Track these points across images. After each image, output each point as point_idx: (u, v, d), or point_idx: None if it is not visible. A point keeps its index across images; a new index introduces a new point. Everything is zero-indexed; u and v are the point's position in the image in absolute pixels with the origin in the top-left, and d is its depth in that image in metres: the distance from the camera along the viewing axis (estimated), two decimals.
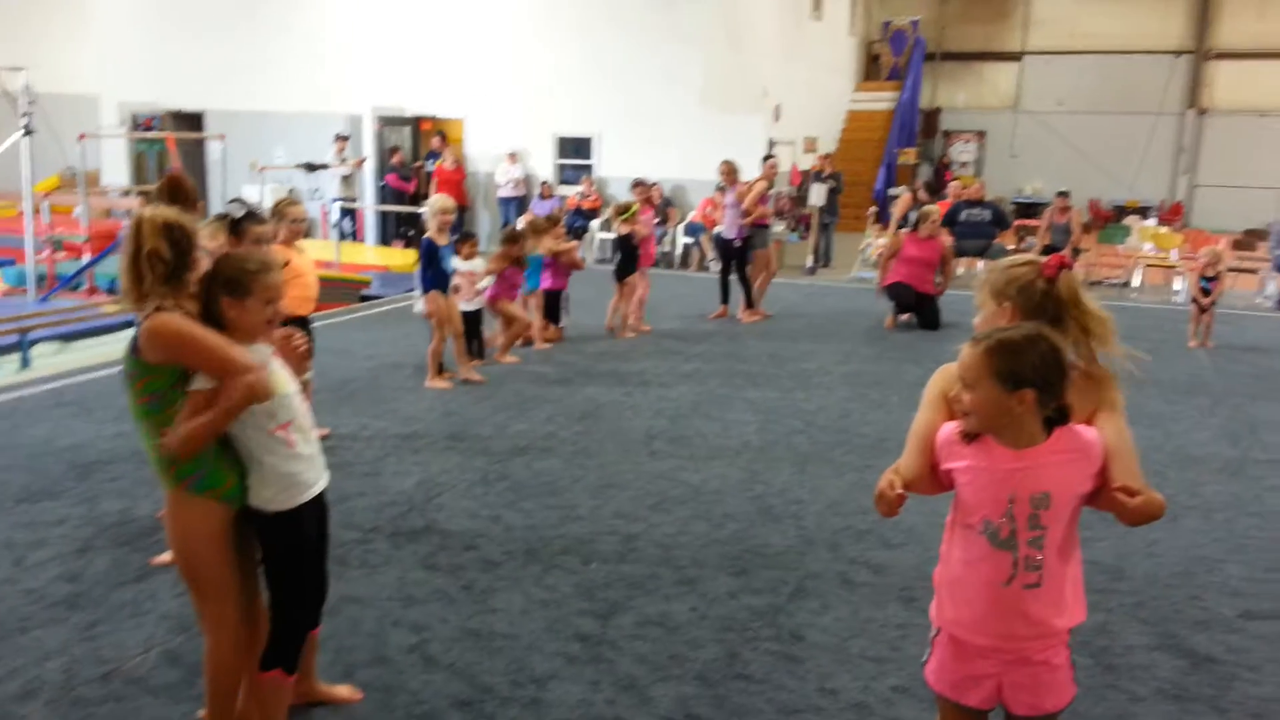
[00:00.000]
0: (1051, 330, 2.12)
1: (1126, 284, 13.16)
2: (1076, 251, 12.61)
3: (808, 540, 4.46)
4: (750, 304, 10.00)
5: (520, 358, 7.88)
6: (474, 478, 5.13)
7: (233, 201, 4.49)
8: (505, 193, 15.75)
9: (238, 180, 14.72)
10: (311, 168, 14.64)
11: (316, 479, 2.70)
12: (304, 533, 2.68)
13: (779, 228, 15.71)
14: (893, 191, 18.40)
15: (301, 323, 5.15)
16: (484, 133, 16.13)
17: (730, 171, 9.97)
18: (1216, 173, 20.56)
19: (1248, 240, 13.49)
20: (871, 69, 22.57)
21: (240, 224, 4.45)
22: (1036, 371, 2.03)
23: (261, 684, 2.71)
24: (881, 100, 21.21)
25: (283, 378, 2.64)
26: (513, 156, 15.74)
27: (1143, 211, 18.77)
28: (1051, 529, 2.07)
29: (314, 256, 11.27)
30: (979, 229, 12.76)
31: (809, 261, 14.44)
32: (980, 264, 13.01)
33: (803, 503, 4.91)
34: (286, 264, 5.02)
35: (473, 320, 7.62)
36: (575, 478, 5.18)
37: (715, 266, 11.16)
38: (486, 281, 7.76)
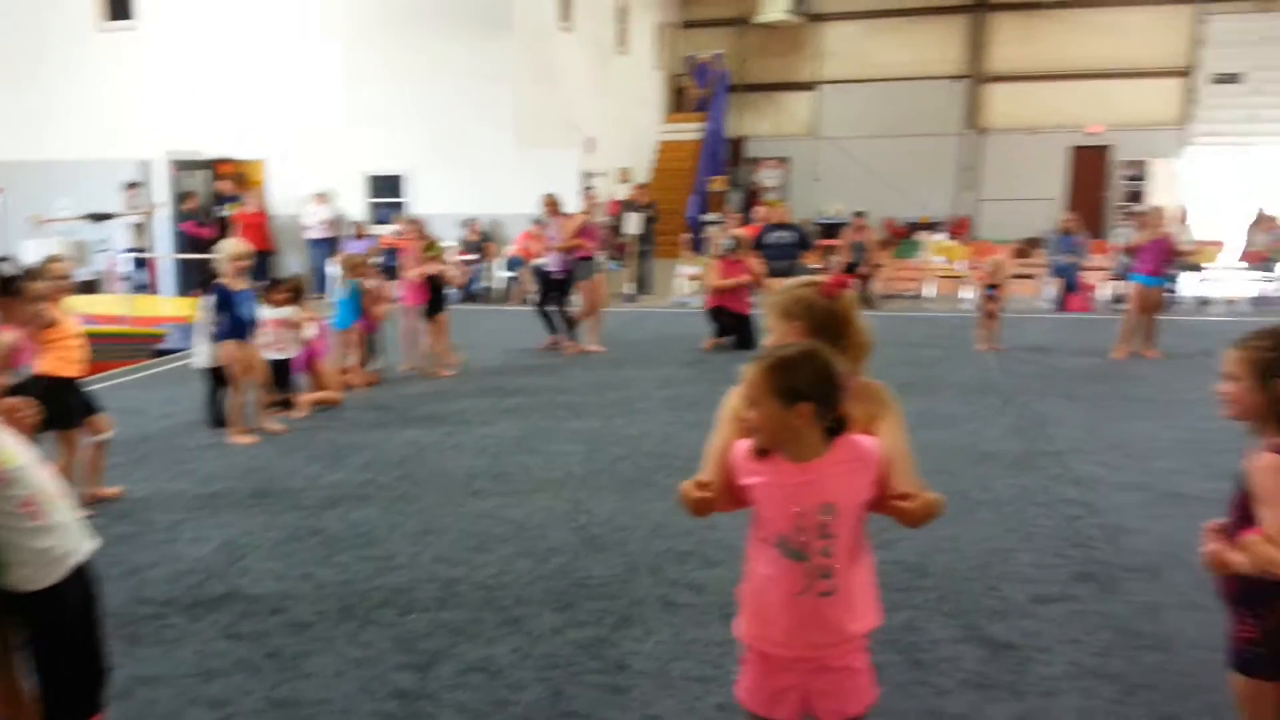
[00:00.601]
0: (825, 346, 2.21)
1: (921, 295, 13.99)
2: (874, 267, 13.31)
3: (632, 567, 4.47)
4: (573, 338, 10.01)
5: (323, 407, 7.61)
6: (282, 535, 4.88)
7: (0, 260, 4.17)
8: (314, 234, 15.24)
9: (19, 236, 13.63)
10: (99, 218, 13.73)
11: (76, 548, 2.50)
12: (69, 608, 2.47)
13: (600, 258, 15.91)
14: (705, 218, 18.99)
15: (69, 386, 4.81)
16: (288, 174, 15.59)
17: (552, 204, 10.02)
18: (997, 187, 22.19)
19: (1026, 248, 14.60)
20: (679, 101, 23.26)
21: (13, 284, 4.14)
22: (812, 386, 2.11)
23: None
24: (690, 131, 21.87)
25: (13, 450, 2.43)
26: (320, 197, 15.27)
27: (933, 227, 20.06)
28: (840, 537, 2.14)
29: (104, 311, 10.57)
30: (785, 250, 13.27)
31: (629, 289, 14.65)
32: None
33: (627, 529, 4.92)
34: (54, 325, 4.70)
35: (282, 368, 7.30)
36: (393, 525, 5.01)
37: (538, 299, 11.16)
38: (311, 330, 7.48)
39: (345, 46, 15.27)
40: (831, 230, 19.16)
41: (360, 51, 15.21)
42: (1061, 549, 4.61)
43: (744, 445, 2.23)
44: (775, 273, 13.17)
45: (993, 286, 9.67)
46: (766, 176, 23.67)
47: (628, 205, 15.67)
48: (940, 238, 17.10)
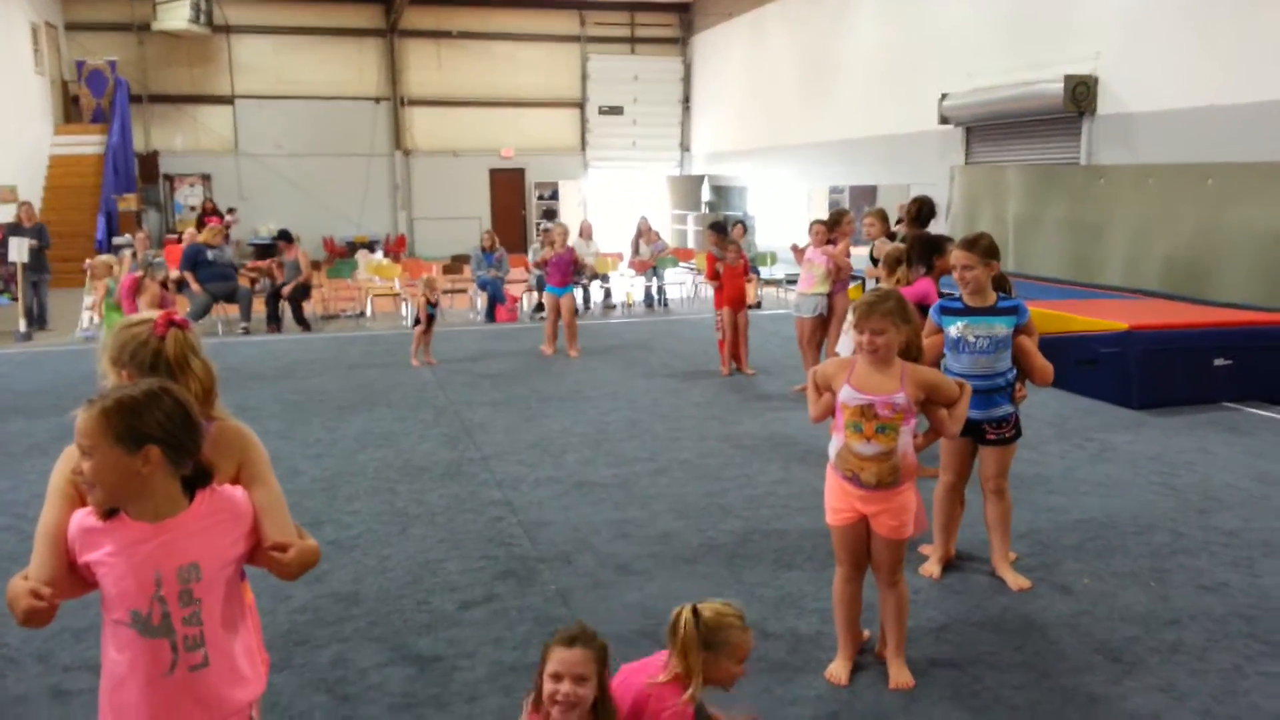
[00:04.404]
0: (175, 384, 2.01)
1: (362, 314, 13.96)
2: (308, 287, 13.00)
3: (11, 659, 3.78)
4: None
5: None
6: None
7: None
8: None
9: None
10: None
11: None
12: None
13: None
14: (116, 240, 17.02)
15: None
16: None
17: None
18: (428, 206, 23.03)
19: (456, 265, 15.27)
20: (72, 111, 20.55)
21: None
22: (161, 427, 1.87)
23: None
24: (89, 144, 19.48)
25: None
26: None
27: (371, 246, 20.16)
28: (207, 601, 1.94)
29: None
30: (223, 270, 12.48)
31: (21, 326, 12.60)
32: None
33: (3, 616, 4.14)
34: None
35: None
36: None
37: None
38: None
39: None
40: (268, 251, 18.38)
41: None
42: (487, 550, 4.83)
43: (82, 516, 1.92)
44: (217, 294, 12.30)
45: (433, 305, 9.92)
46: (188, 195, 21.93)
47: (12, 229, 13.48)
48: (378, 256, 17.22)
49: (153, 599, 1.89)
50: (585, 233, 15.77)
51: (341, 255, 19.39)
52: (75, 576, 1.92)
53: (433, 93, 23.01)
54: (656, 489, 5.75)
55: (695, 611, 2.53)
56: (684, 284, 15.70)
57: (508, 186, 23.86)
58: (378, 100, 22.78)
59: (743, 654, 2.56)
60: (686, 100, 24.42)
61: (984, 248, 4.17)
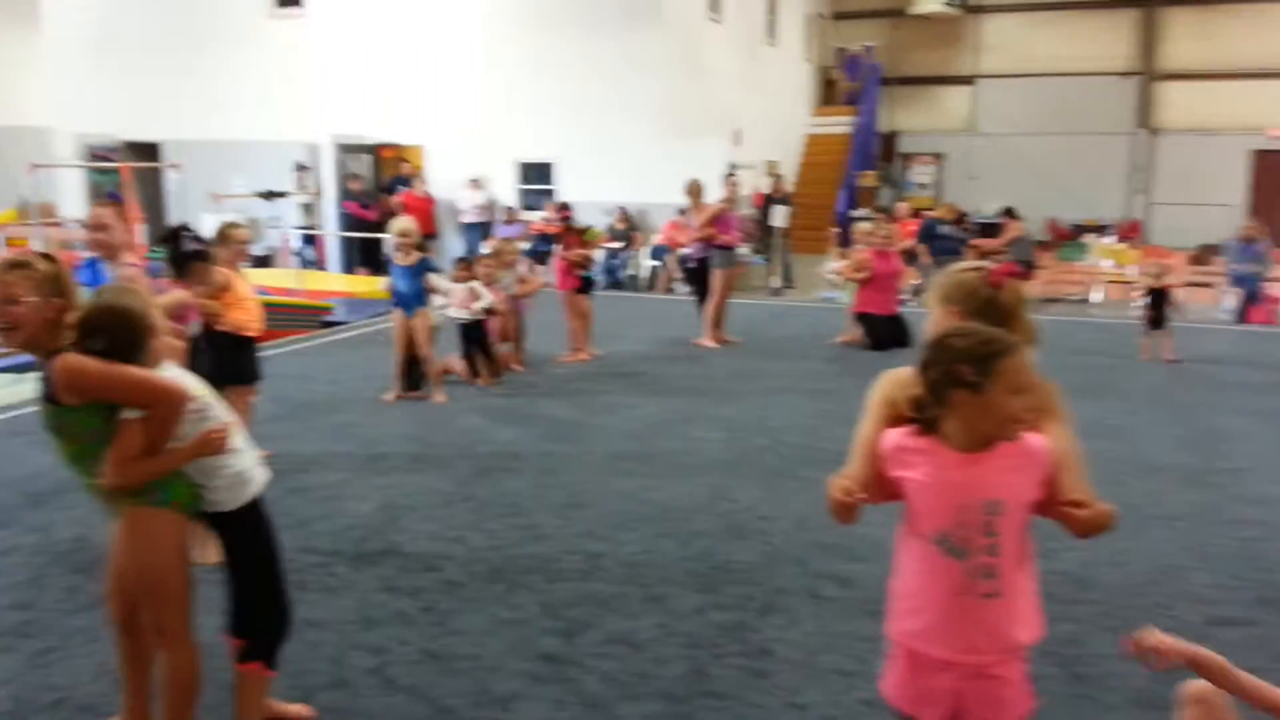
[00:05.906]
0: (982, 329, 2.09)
1: (1086, 300, 13.32)
2: (1031, 265, 12.79)
3: (775, 556, 4.42)
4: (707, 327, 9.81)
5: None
6: (436, 500, 5.05)
7: (181, 230, 4.45)
8: (468, 219, 15.70)
9: (196, 209, 14.56)
10: (270, 195, 14.50)
11: (258, 472, 2.74)
12: (257, 529, 2.71)
13: (743, 250, 15.80)
14: (854, 213, 18.61)
15: (247, 345, 5.07)
16: (444, 159, 16.08)
17: (695, 190, 9.92)
18: (1171, 190, 20.93)
19: (1204, 256, 13.71)
20: (828, 94, 22.84)
21: (187, 264, 4.42)
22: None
23: (245, 676, 2.77)
24: (839, 124, 21.43)
25: (192, 382, 2.66)
26: (475, 183, 15.71)
27: (1101, 230, 19.08)
28: (1005, 537, 2.02)
29: (276, 283, 11.13)
30: (953, 245, 13.02)
31: (774, 283, 14.52)
32: None
33: (770, 518, 4.87)
34: (228, 288, 4.95)
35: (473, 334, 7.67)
36: (540, 497, 5.12)
37: (681, 289, 11.16)
38: (486, 301, 7.71)
39: (500, 37, 15.64)
40: (990, 230, 18.54)
41: (515, 42, 15.54)
42: (1242, 572, 4.31)
43: (896, 435, 2.12)
44: (943, 267, 12.93)
45: (1158, 292, 9.01)
46: (919, 173, 23.02)
47: (773, 198, 15.54)
48: (1109, 241, 16.25)
49: (957, 524, 2.02)
50: None
51: (1067, 238, 18.67)
52: (883, 486, 2.13)
53: (1190, 65, 20.72)
54: None
55: None
56: None
57: (1271, 171, 20.59)
58: (1124, 75, 21.29)
59: None
60: None
61: None
